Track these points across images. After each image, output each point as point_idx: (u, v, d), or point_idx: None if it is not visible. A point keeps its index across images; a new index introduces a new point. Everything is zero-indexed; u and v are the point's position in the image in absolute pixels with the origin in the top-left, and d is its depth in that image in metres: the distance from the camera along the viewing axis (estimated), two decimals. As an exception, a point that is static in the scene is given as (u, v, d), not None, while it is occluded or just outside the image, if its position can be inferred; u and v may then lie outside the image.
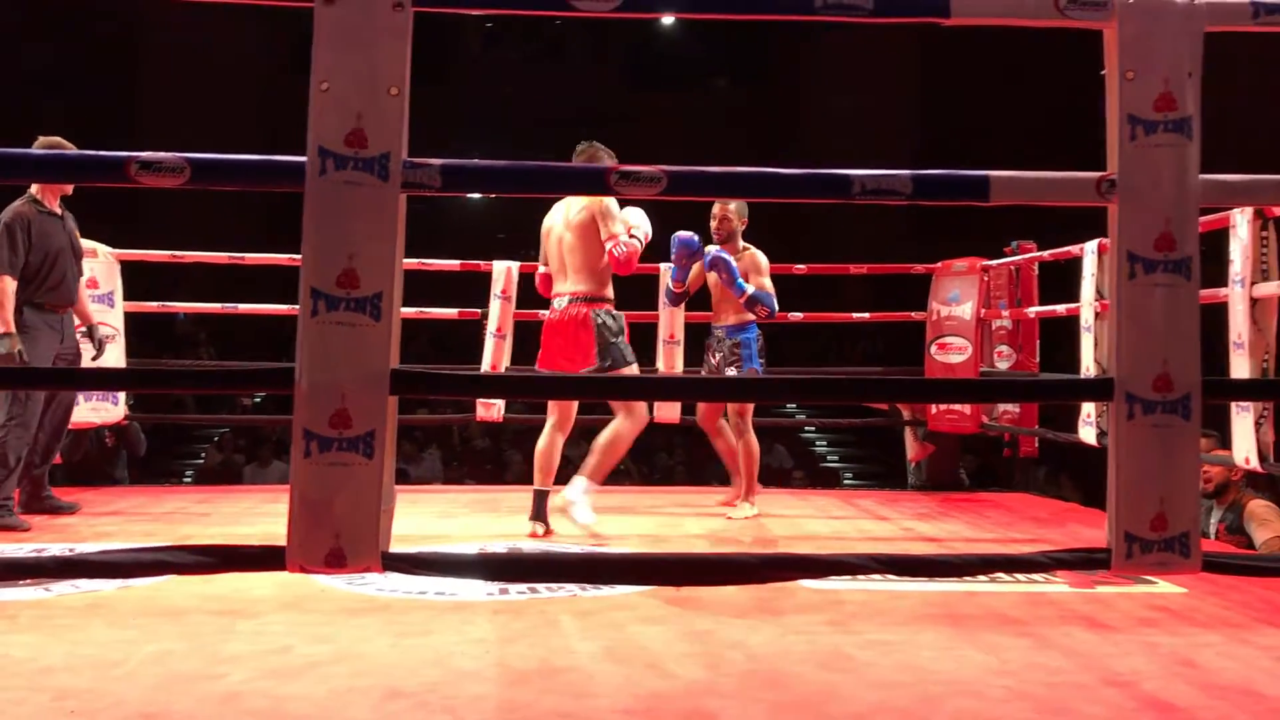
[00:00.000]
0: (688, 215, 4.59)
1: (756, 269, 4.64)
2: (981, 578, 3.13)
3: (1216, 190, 2.00)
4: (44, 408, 4.33)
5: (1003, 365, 5.81)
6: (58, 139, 4.07)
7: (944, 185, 2.07)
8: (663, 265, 5.29)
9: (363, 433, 1.78)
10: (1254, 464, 3.76)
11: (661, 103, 15.90)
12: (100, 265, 5.29)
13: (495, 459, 10.16)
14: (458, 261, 5.76)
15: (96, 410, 5.28)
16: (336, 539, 1.79)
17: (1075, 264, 4.99)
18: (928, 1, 1.95)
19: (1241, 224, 3.79)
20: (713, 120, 15.73)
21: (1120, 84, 1.91)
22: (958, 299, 5.83)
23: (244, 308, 6.37)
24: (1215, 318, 3.56)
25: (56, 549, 3.60)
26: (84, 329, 4.50)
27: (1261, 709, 2.11)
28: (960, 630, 2.68)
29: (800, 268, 5.93)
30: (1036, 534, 4.33)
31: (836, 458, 12.51)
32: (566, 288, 4.11)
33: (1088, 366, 4.72)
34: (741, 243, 4.71)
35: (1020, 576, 3.21)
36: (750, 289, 4.54)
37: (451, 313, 5.93)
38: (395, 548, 1.89)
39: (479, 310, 5.71)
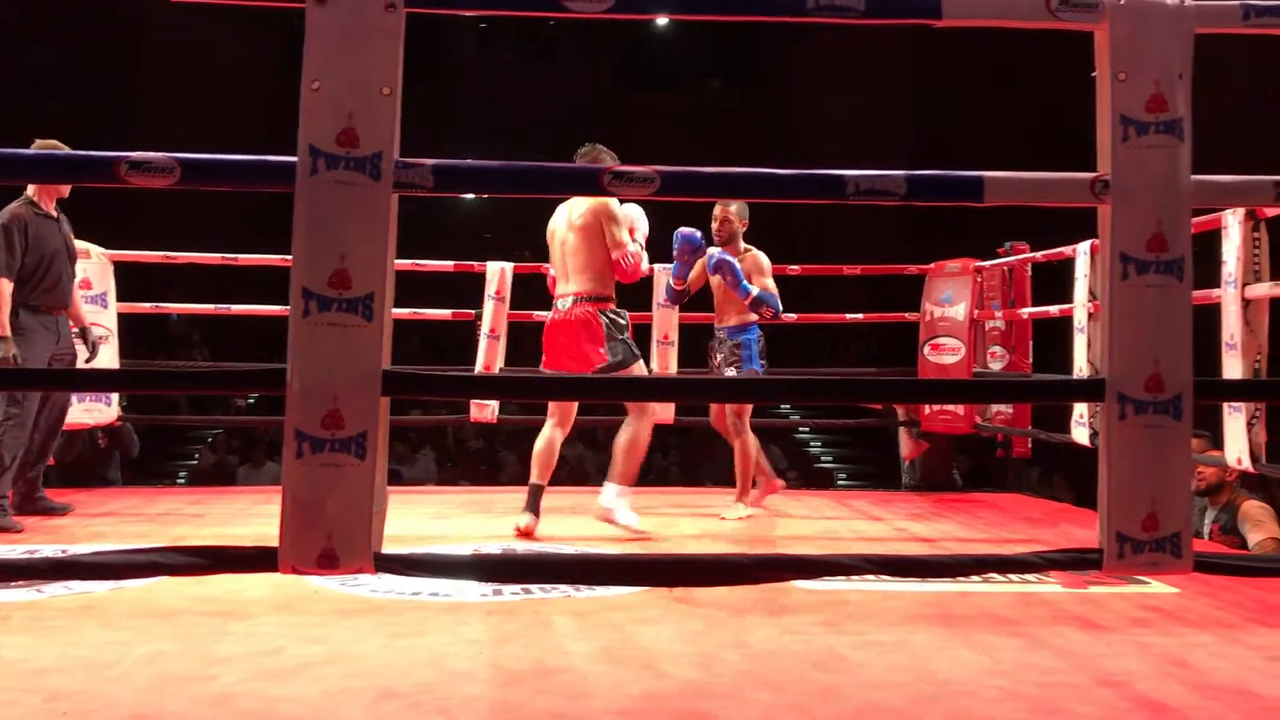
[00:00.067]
0: (689, 217, 4.60)
1: (759, 270, 4.65)
2: (975, 578, 3.14)
3: (1208, 191, 2.00)
4: (39, 409, 4.33)
5: (996, 366, 5.82)
6: (53, 142, 4.07)
7: (938, 186, 2.07)
8: (658, 267, 5.29)
9: (355, 434, 1.78)
10: (1246, 464, 3.77)
11: (656, 103, 15.89)
12: (93, 266, 5.28)
13: (489, 460, 10.14)
14: (451, 262, 5.76)
15: (89, 411, 5.27)
16: (329, 540, 1.79)
17: (1068, 265, 5.00)
18: (919, 3, 1.96)
19: (1233, 225, 3.80)
20: (707, 121, 15.74)
21: (1112, 85, 1.91)
22: (951, 300, 5.84)
23: (238, 308, 6.35)
24: (1208, 318, 3.57)
25: (49, 550, 3.59)
26: (77, 331, 4.50)
27: (1254, 708, 2.12)
28: (954, 630, 2.68)
29: (794, 268, 5.94)
30: (1029, 534, 4.33)
31: (830, 459, 12.51)
32: (570, 288, 4.13)
33: (1080, 367, 4.73)
34: (743, 245, 4.71)
35: (1013, 577, 3.22)
36: (755, 290, 4.55)
37: (445, 314, 5.93)
38: (389, 548, 1.89)
39: (473, 311, 5.71)
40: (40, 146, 3.99)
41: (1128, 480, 1.89)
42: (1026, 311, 5.62)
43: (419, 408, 8.05)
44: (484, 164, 1.99)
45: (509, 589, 3.00)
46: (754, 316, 4.66)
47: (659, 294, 5.57)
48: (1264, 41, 2.10)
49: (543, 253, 4.47)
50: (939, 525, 4.56)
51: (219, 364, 7.78)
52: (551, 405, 4.19)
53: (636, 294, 5.38)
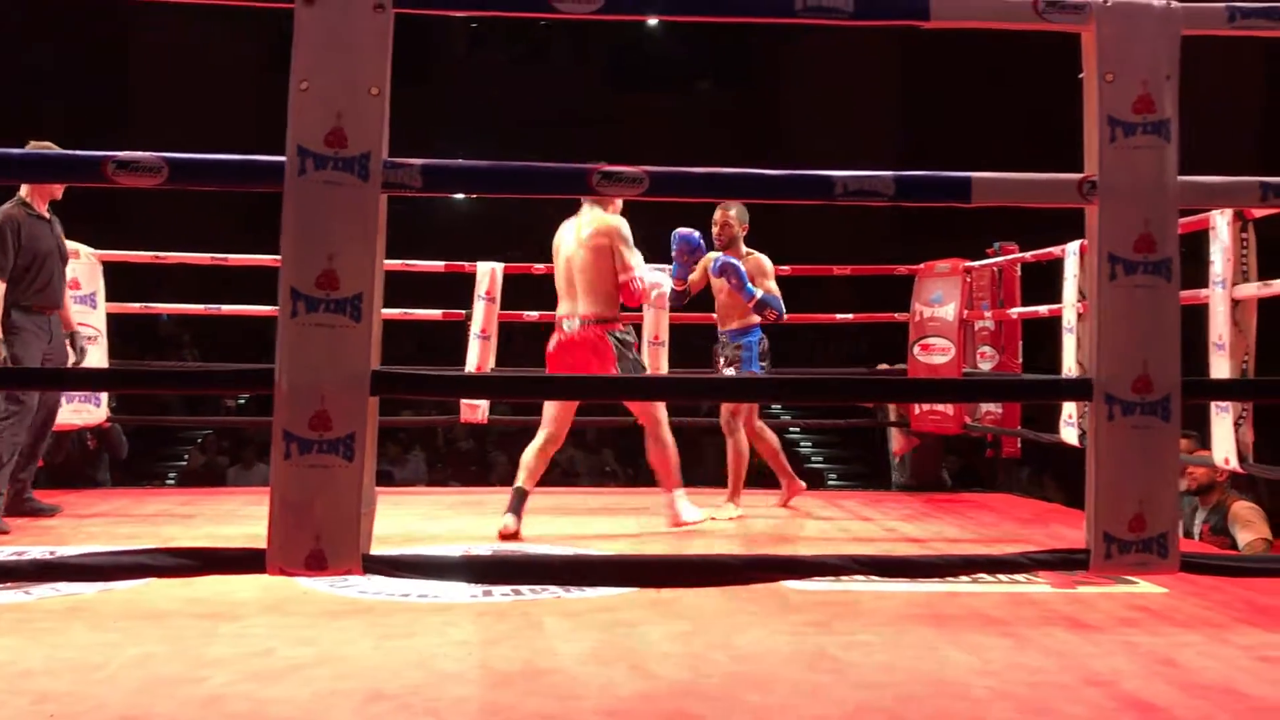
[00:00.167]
0: (686, 218, 4.59)
1: (762, 272, 4.65)
2: (964, 578, 3.14)
3: (1195, 192, 2.01)
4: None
5: (985, 366, 5.84)
6: (47, 144, 4.07)
7: (926, 186, 2.08)
8: (654, 268, 5.27)
9: (343, 434, 1.78)
10: (1234, 464, 3.78)
11: (645, 104, 15.90)
12: (82, 266, 5.26)
13: (480, 461, 10.14)
14: (442, 263, 5.75)
15: (78, 412, 5.25)
16: (317, 541, 1.79)
17: (1057, 265, 5.02)
18: (907, 4, 1.97)
19: (1221, 225, 3.81)
20: (696, 122, 15.75)
21: (1099, 86, 1.92)
22: (940, 300, 5.85)
23: (227, 308, 6.34)
24: (1195, 319, 3.58)
25: (37, 552, 3.58)
26: (66, 334, 4.49)
27: (1242, 708, 2.12)
28: (943, 630, 2.68)
29: (784, 269, 5.93)
30: (1019, 534, 4.34)
31: (821, 459, 12.53)
32: (578, 309, 4.16)
33: (1069, 367, 4.74)
34: (744, 248, 4.72)
35: (1002, 577, 3.22)
36: (759, 293, 4.55)
37: (436, 314, 5.92)
38: (378, 550, 1.89)
39: (463, 311, 5.70)
40: (32, 148, 3.99)
41: (1115, 481, 1.89)
42: (1016, 312, 5.64)
43: (409, 408, 8.04)
44: (472, 164, 1.99)
45: (499, 590, 3.00)
46: (756, 319, 4.68)
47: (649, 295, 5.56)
48: (1251, 43, 2.11)
49: (532, 253, 4.47)
50: (929, 525, 4.57)
51: (208, 364, 7.76)
52: (547, 419, 4.21)
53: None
